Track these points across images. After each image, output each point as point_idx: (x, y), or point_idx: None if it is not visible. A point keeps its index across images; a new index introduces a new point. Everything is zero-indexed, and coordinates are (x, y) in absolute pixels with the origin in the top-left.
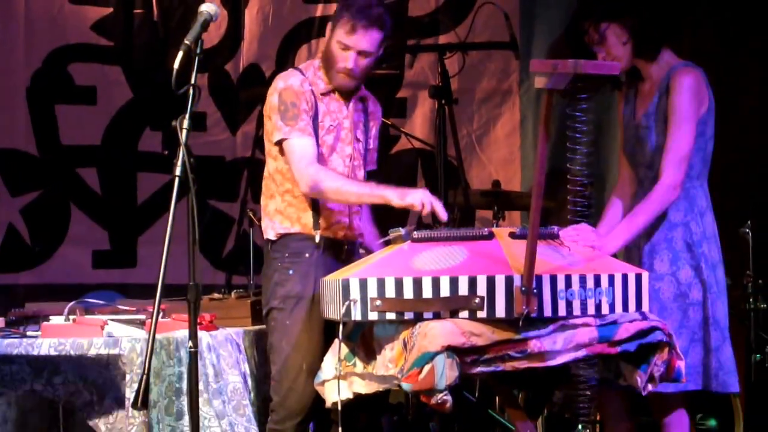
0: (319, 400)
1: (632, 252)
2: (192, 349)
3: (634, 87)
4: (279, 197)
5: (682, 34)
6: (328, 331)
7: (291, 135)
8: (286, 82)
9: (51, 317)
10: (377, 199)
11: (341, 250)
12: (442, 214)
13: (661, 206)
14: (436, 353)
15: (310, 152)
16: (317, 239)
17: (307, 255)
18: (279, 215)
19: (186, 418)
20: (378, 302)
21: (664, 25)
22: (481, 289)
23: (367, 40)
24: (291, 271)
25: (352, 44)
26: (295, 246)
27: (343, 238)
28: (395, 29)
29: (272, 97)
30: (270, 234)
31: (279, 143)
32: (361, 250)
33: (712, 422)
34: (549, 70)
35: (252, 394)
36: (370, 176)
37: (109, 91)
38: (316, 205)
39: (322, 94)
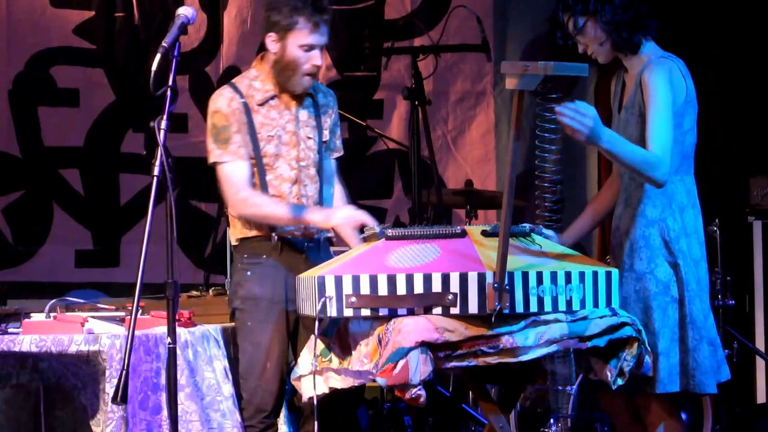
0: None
1: (615, 251)
2: (170, 345)
3: (621, 80)
4: None
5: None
6: (293, 328)
7: (222, 158)
8: (214, 105)
9: (32, 314)
10: (303, 223)
11: (302, 248)
12: (372, 224)
13: (642, 162)
14: (410, 349)
15: (239, 177)
16: (274, 241)
17: (264, 256)
18: (239, 221)
19: (163, 413)
20: (353, 299)
21: (638, 22)
22: (454, 286)
23: (326, 33)
24: (249, 272)
25: (317, 41)
26: (252, 248)
27: (301, 236)
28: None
29: (208, 118)
30: (233, 239)
31: (213, 166)
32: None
33: None
34: (519, 72)
35: (230, 389)
36: (339, 162)
37: (92, 93)
38: None
39: (260, 105)
